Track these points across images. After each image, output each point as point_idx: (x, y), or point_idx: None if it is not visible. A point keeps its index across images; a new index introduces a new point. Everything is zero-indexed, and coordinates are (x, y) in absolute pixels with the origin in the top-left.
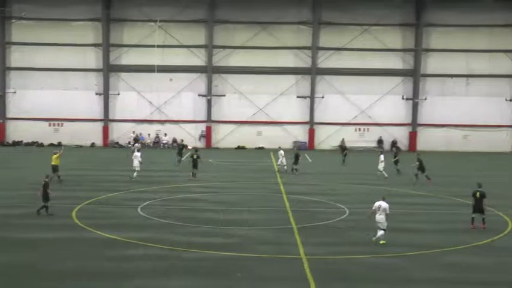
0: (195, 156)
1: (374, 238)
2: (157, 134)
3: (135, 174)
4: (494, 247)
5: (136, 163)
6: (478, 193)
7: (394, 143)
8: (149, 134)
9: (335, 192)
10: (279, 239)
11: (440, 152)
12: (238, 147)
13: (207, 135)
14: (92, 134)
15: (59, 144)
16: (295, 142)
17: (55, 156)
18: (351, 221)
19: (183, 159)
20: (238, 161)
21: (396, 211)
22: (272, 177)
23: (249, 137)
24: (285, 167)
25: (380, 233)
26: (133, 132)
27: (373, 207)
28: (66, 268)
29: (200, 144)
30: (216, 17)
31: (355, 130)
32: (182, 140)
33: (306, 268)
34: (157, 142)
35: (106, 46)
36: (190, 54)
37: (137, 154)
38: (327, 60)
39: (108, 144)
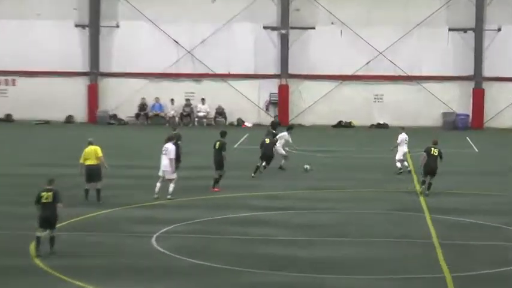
0: (217, 146)
1: None
2: (188, 100)
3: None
4: None
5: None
6: None
7: None
8: (173, 100)
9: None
10: None
11: None
12: (340, 124)
13: (280, 102)
14: (69, 100)
15: (8, 119)
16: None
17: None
18: None
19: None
20: (338, 150)
21: None
22: (403, 180)
23: (358, 105)
24: (406, 168)
25: None
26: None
27: None
28: None
29: (270, 117)
30: None
31: None
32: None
33: None
34: (188, 114)
35: None
36: None
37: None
38: None
39: (97, 118)
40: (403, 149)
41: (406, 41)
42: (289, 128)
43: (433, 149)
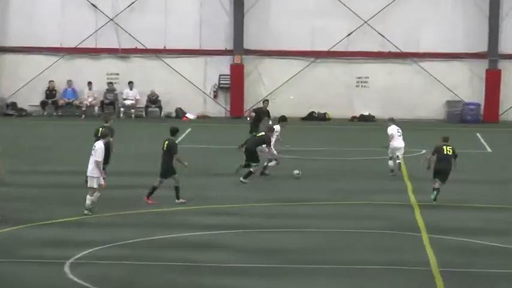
0: (165, 147)
1: None
2: (110, 84)
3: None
4: None
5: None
6: None
7: None
8: (90, 84)
9: None
10: None
11: None
12: (312, 116)
13: (232, 87)
14: None
15: None
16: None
17: None
18: None
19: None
20: (308, 150)
21: None
22: (394, 189)
23: (336, 91)
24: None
25: None
26: None
27: None
28: None
29: (221, 108)
30: None
31: None
32: (266, 102)
33: None
34: (110, 103)
35: None
36: None
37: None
38: None
39: None
40: (397, 144)
41: (399, 7)
42: (282, 120)
43: (445, 147)
